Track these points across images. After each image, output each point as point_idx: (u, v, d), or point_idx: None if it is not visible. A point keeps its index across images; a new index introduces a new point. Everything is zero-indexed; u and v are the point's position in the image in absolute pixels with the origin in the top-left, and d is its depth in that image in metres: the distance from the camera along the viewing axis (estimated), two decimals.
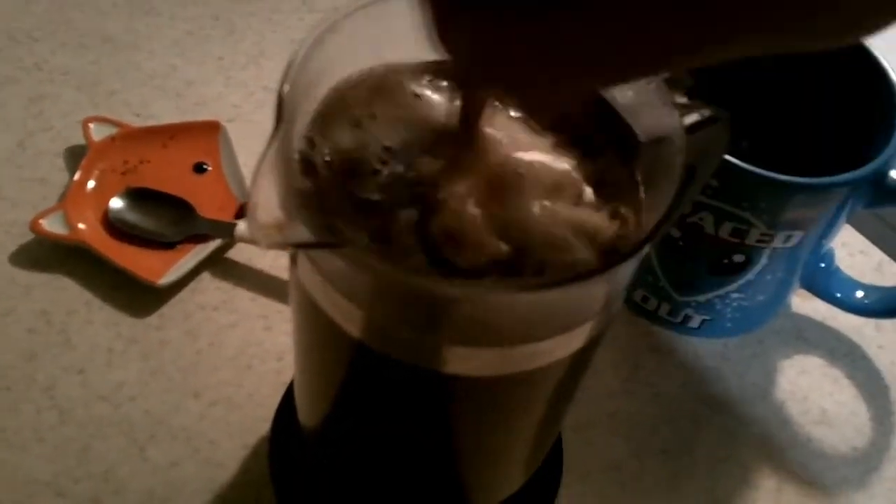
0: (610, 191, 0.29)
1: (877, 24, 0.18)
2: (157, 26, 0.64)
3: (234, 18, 0.65)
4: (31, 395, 0.45)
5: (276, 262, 0.52)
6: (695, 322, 0.51)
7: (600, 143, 0.30)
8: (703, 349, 0.52)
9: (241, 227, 0.50)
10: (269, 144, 0.23)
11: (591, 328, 0.28)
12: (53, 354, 0.46)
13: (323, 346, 0.31)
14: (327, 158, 0.27)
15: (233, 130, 0.56)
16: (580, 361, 0.29)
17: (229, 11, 0.66)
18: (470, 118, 0.27)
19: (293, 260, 0.29)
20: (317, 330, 0.30)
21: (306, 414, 0.38)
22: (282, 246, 0.22)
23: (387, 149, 0.28)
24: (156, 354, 0.47)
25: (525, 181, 0.27)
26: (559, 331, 0.26)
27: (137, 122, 0.56)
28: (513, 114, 0.30)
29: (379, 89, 0.29)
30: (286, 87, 0.24)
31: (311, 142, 0.27)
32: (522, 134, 0.29)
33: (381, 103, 0.29)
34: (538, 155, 0.29)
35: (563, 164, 0.29)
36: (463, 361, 0.26)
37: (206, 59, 0.62)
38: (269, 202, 0.22)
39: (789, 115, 0.49)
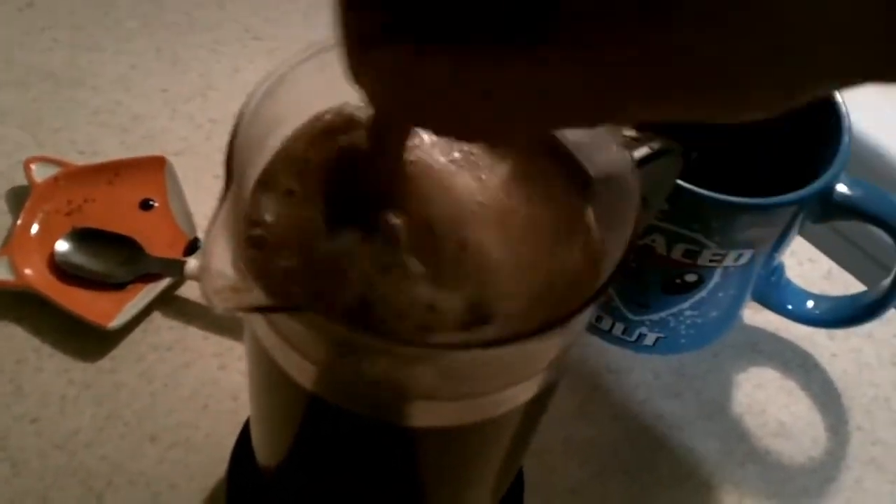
0: (565, 230, 0.29)
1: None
2: (101, 61, 0.63)
3: (177, 50, 0.65)
4: None
5: None
6: (649, 340, 0.51)
7: (553, 179, 0.30)
8: (660, 366, 0.53)
9: (192, 264, 0.49)
10: (220, 205, 0.22)
11: (553, 370, 0.28)
12: (5, 404, 0.45)
13: (278, 395, 0.31)
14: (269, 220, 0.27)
15: (181, 164, 0.55)
16: (542, 401, 0.29)
17: (173, 43, 0.65)
18: (387, 152, 0.26)
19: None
20: (272, 381, 0.30)
21: (263, 457, 0.38)
22: (237, 310, 0.22)
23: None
24: (110, 399, 0.46)
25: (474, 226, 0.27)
26: (521, 378, 0.26)
27: (83, 160, 0.55)
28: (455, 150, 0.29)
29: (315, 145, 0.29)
30: (235, 146, 0.23)
31: (256, 202, 0.27)
32: (467, 171, 0.29)
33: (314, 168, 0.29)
34: (482, 194, 0.29)
35: (513, 201, 0.29)
36: (421, 414, 0.26)
37: (151, 93, 0.62)
38: (222, 264, 0.22)
39: (738, 132, 0.50)
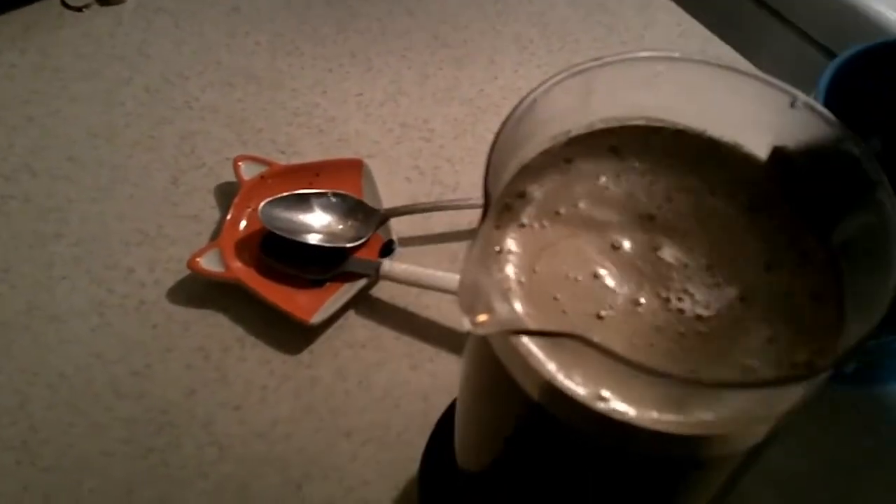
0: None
1: None
2: (300, 65, 0.65)
3: (370, 56, 0.66)
4: (192, 430, 0.46)
5: (418, 300, 0.52)
6: (848, 368, 0.49)
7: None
8: (857, 399, 0.51)
9: (386, 265, 0.50)
10: (480, 226, 0.23)
11: (781, 421, 0.27)
12: (211, 391, 0.47)
13: (498, 400, 0.31)
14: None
15: (373, 166, 0.56)
16: (761, 449, 0.29)
17: (365, 49, 0.67)
18: None
19: None
20: (494, 385, 0.30)
21: (465, 459, 0.38)
22: (493, 331, 0.22)
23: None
24: (307, 392, 0.48)
25: None
26: (748, 425, 0.26)
27: (283, 159, 0.57)
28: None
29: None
30: (492, 166, 0.24)
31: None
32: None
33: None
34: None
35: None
36: (641, 440, 0.26)
37: (346, 97, 0.63)
38: (478, 289, 0.22)
39: None
